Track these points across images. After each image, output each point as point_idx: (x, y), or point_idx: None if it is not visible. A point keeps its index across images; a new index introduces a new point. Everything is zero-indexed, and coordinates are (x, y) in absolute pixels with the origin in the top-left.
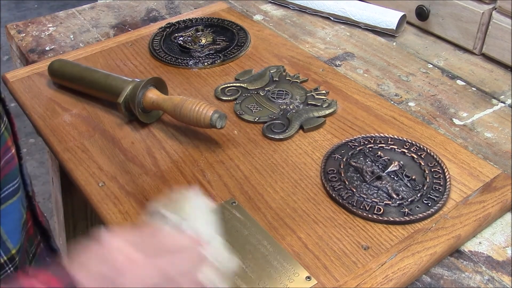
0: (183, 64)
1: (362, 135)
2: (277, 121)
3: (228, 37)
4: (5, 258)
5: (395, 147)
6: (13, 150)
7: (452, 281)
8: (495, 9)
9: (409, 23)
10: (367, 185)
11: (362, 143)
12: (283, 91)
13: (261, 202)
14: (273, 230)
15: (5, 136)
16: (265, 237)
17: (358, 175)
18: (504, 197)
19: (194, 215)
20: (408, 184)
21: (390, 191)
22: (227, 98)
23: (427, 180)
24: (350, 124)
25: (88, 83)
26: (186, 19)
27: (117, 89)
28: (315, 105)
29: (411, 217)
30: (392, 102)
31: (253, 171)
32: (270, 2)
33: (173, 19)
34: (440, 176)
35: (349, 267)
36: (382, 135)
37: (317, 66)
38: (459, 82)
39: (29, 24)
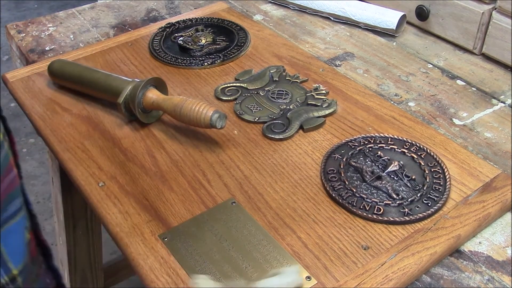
0: (183, 64)
1: (362, 135)
2: (277, 121)
3: (228, 37)
4: (6, 279)
5: (395, 147)
6: (15, 169)
7: (452, 281)
8: (495, 9)
9: (409, 23)
10: (367, 185)
11: (362, 143)
12: (283, 91)
13: (261, 202)
14: (273, 230)
15: (8, 155)
16: (265, 237)
17: (358, 175)
18: (504, 197)
19: None
20: (408, 184)
21: (390, 191)
22: (227, 98)
23: (427, 180)
24: (350, 124)
25: (88, 83)
26: (186, 19)
27: (117, 89)
28: (315, 105)
29: (411, 217)
30: (392, 102)
31: (253, 171)
32: (270, 2)
33: (173, 19)
34: (440, 176)
35: (349, 267)
36: (382, 135)
37: (317, 66)
38: (459, 82)
39: (29, 24)
